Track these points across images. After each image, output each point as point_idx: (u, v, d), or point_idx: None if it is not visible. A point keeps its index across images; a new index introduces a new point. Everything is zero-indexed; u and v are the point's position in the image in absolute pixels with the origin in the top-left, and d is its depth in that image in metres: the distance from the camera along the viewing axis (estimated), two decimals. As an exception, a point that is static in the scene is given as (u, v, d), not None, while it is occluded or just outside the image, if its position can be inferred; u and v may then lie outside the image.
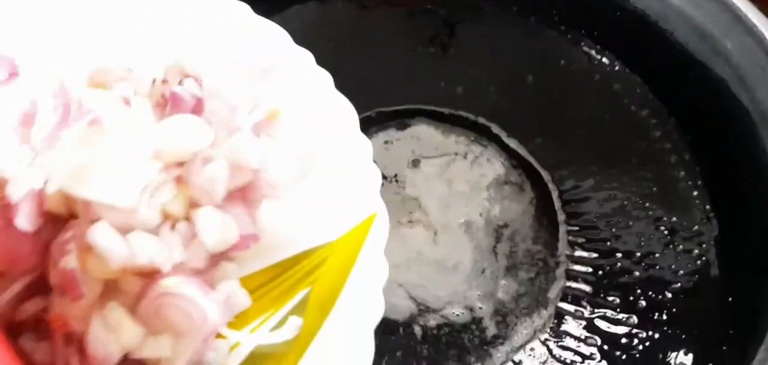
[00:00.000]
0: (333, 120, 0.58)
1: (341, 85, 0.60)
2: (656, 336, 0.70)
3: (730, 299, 0.71)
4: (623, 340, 0.70)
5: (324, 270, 0.53)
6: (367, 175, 0.55)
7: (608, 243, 0.77)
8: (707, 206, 0.76)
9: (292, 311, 0.53)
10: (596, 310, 0.72)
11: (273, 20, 0.62)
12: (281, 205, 0.56)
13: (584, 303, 0.73)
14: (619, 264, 0.75)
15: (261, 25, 0.61)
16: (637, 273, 0.74)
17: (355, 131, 0.57)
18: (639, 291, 0.73)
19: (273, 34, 0.61)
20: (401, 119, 0.85)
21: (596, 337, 0.71)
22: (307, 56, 0.60)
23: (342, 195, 0.55)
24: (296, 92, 0.59)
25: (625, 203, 0.79)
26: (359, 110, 0.59)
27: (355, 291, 0.51)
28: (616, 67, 0.85)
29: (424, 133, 0.84)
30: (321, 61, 0.60)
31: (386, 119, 0.84)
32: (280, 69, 0.60)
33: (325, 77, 0.59)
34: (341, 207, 0.54)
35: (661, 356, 0.69)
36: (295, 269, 0.54)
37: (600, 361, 0.69)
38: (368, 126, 0.83)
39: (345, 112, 0.58)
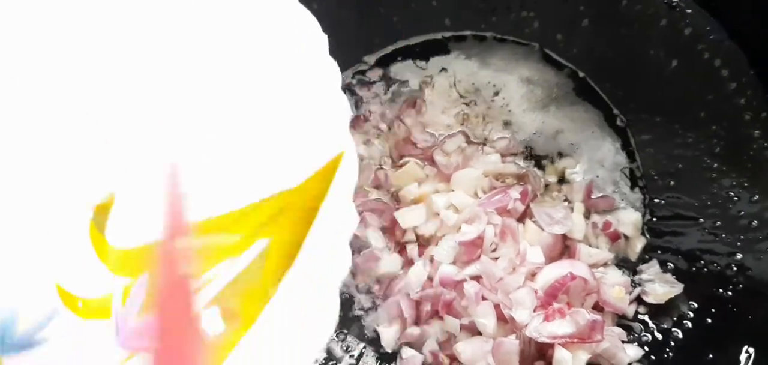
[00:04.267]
0: (296, 41, 0.47)
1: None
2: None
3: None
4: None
5: (284, 219, 0.45)
6: (334, 106, 0.45)
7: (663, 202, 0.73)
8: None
9: (249, 268, 0.46)
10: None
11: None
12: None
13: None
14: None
15: None
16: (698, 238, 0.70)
17: (323, 55, 0.46)
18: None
19: None
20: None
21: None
22: None
23: (304, 131, 0.45)
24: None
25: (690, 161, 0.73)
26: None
27: (319, 242, 0.44)
28: (687, 8, 0.76)
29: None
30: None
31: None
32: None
33: None
34: (303, 146, 0.45)
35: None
36: (252, 217, 0.47)
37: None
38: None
39: (311, 32, 0.47)
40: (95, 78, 0.49)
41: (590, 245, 0.72)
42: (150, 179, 0.48)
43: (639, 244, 0.73)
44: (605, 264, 0.71)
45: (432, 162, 0.76)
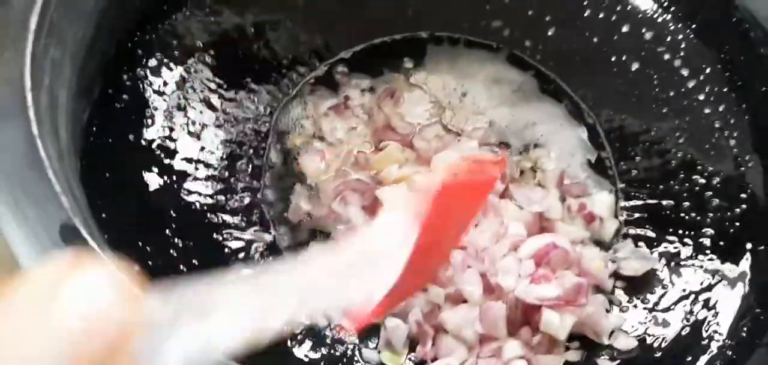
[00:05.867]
0: None
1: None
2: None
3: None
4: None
5: None
6: None
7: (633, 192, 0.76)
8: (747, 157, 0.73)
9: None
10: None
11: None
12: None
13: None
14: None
15: None
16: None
17: None
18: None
19: None
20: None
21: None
22: None
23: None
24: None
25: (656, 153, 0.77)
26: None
27: None
28: (649, 12, 0.81)
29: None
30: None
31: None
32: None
33: None
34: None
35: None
36: None
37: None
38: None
39: None
40: None
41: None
42: None
43: (612, 226, 0.75)
44: (582, 242, 0.73)
45: (411, 147, 0.77)
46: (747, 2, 0.73)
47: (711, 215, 0.72)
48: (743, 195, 0.71)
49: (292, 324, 0.40)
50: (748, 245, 0.68)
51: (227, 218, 0.71)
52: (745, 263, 0.68)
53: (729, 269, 0.68)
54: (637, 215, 0.76)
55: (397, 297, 0.47)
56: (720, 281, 0.68)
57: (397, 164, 0.75)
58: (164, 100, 0.73)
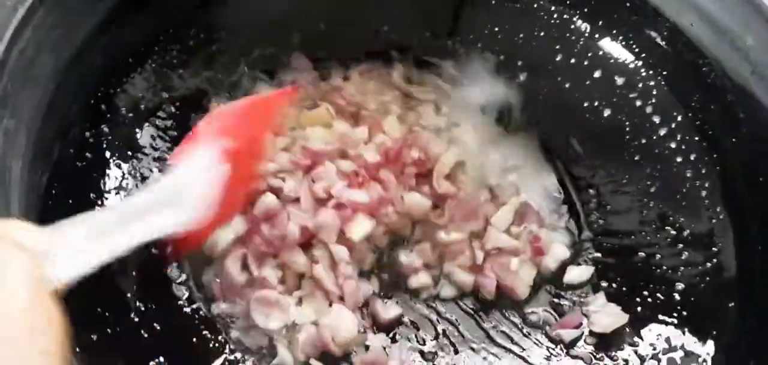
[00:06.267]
0: None
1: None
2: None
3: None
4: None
5: None
6: None
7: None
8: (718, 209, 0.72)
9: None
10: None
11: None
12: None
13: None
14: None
15: None
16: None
17: None
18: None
19: None
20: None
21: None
22: None
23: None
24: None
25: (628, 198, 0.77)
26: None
27: None
28: (621, 59, 0.81)
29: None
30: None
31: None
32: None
33: None
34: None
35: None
36: None
37: None
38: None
39: None
40: None
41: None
42: None
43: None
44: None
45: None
46: (715, 52, 0.72)
47: (682, 269, 0.71)
48: (714, 249, 0.70)
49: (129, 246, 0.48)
50: (718, 303, 0.68)
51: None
52: (715, 322, 0.67)
53: (698, 327, 0.68)
54: (610, 263, 0.75)
55: (215, 221, 0.57)
56: (690, 338, 0.68)
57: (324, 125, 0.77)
58: (128, 155, 0.72)
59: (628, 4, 0.78)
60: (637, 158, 0.78)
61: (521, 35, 0.82)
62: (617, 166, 0.79)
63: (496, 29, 0.83)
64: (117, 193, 0.69)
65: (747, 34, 0.68)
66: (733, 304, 0.67)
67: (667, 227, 0.74)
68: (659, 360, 0.68)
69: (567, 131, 0.82)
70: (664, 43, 0.76)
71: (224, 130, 0.58)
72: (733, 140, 0.71)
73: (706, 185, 0.73)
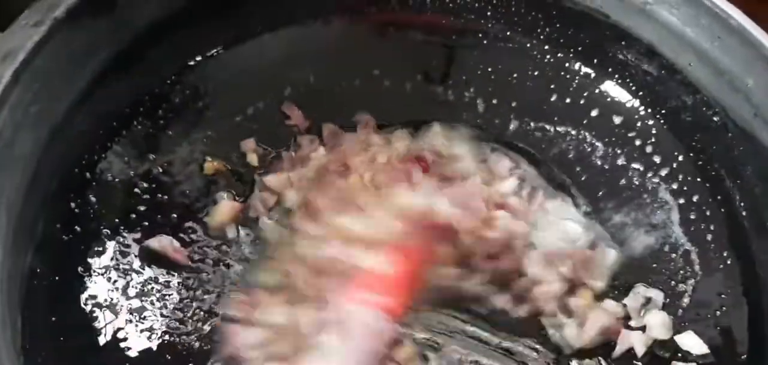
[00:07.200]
0: None
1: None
2: None
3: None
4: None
5: None
6: None
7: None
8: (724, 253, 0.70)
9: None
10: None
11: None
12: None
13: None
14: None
15: None
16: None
17: None
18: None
19: None
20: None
21: None
22: None
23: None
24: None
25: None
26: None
27: None
28: (617, 98, 0.79)
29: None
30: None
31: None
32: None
33: None
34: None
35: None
36: None
37: None
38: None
39: None
40: None
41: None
42: None
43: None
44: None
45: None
46: (715, 93, 0.70)
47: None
48: (723, 295, 0.69)
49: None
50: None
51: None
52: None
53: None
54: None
55: None
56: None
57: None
58: (117, 223, 0.69)
59: (623, 43, 0.76)
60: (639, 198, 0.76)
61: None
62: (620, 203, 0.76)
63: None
64: (108, 267, 0.67)
65: (747, 76, 0.66)
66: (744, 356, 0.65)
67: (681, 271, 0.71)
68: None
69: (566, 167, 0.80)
70: (661, 83, 0.74)
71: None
72: (737, 182, 0.69)
73: (712, 227, 0.71)
